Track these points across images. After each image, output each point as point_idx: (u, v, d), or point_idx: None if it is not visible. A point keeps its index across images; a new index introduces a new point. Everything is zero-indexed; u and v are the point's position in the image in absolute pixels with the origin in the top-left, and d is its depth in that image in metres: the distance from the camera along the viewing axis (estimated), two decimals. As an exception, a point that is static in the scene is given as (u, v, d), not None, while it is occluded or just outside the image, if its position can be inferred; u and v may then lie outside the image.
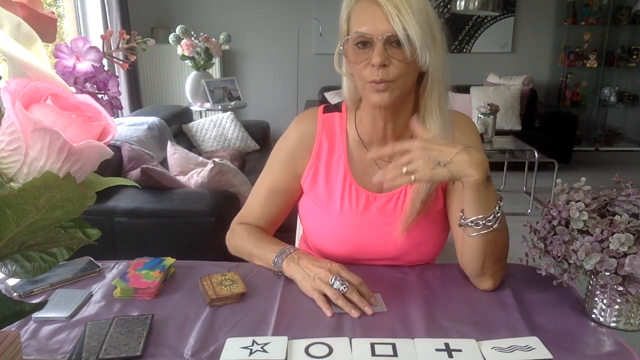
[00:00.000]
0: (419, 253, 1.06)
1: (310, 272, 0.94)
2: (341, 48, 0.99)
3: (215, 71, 4.67)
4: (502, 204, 0.91)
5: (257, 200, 1.14)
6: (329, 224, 1.07)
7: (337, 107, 1.12)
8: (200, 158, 2.83)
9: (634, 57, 5.24)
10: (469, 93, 4.77)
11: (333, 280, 0.90)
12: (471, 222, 0.91)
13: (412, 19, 0.90)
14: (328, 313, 0.88)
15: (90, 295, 0.94)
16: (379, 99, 0.96)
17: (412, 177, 0.86)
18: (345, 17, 0.97)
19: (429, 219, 1.05)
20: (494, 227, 0.90)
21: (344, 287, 0.89)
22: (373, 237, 1.05)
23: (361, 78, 0.96)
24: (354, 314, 0.87)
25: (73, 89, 0.60)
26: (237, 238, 1.12)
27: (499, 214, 0.91)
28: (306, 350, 0.77)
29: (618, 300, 0.82)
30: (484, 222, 0.90)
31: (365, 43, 0.93)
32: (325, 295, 0.90)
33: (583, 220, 0.82)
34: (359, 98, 1.07)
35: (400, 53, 0.92)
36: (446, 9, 5.07)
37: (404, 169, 0.86)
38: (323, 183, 1.08)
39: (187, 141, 3.60)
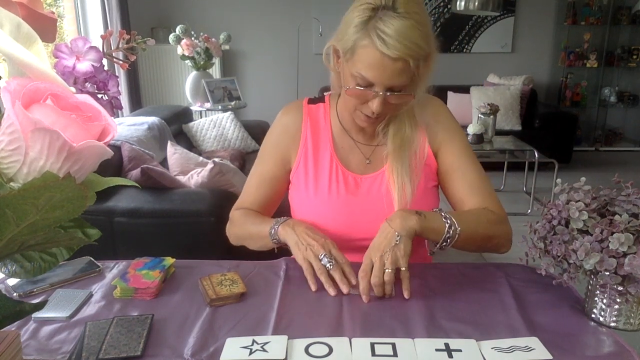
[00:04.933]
0: None
1: (304, 241, 0.99)
2: (338, 49, 1.01)
3: (215, 71, 4.67)
4: (442, 213, 0.98)
5: (250, 188, 1.19)
6: (319, 207, 1.11)
7: (320, 99, 1.19)
8: (200, 158, 2.83)
9: (634, 57, 5.23)
10: (469, 93, 4.77)
11: (322, 255, 0.96)
12: (439, 248, 0.99)
13: (422, 67, 0.95)
14: (312, 287, 0.94)
15: (90, 295, 0.94)
16: (367, 126, 1.07)
17: (402, 268, 0.92)
18: (350, 46, 0.96)
19: (417, 196, 1.08)
20: (457, 236, 0.97)
21: (330, 265, 0.95)
22: (361, 216, 1.09)
23: (353, 104, 1.03)
24: (331, 291, 0.93)
25: (73, 89, 0.60)
26: (235, 223, 1.17)
27: (451, 227, 0.96)
28: (306, 350, 0.77)
29: (618, 300, 0.83)
30: (446, 242, 0.97)
31: (366, 86, 0.97)
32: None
33: (583, 220, 0.82)
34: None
35: (399, 98, 0.99)
36: (446, 9, 5.07)
37: (388, 271, 0.91)
38: (312, 168, 1.13)
39: (187, 141, 3.60)
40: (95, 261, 1.06)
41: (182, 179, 2.39)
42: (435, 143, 1.13)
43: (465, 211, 1.07)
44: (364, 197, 1.10)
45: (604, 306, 0.84)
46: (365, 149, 1.14)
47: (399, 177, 1.07)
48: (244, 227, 1.14)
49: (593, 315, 0.86)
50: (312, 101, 1.18)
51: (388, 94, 0.96)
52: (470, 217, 1.03)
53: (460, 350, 0.77)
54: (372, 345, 0.78)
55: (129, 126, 2.88)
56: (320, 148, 1.14)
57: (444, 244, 0.98)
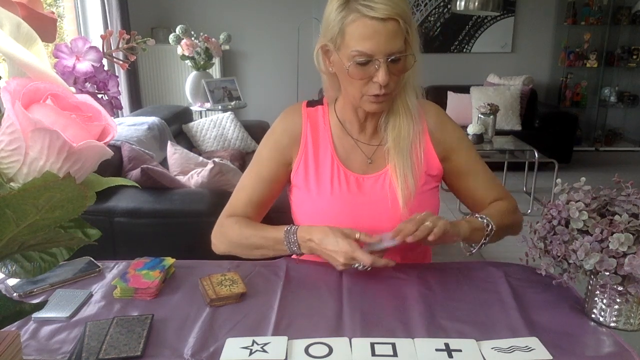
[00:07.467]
0: None
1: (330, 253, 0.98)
2: (327, 45, 1.02)
3: (215, 71, 4.67)
4: (477, 215, 1.06)
5: (244, 188, 1.17)
6: (322, 208, 1.11)
7: (319, 101, 1.19)
8: (200, 158, 2.83)
9: (634, 57, 5.23)
10: (469, 93, 4.77)
11: (355, 266, 0.97)
12: (478, 247, 1.07)
13: (411, 32, 0.97)
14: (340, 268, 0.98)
15: (90, 295, 0.94)
16: (377, 107, 1.05)
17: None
18: (338, 30, 0.98)
19: (420, 195, 1.10)
20: (492, 232, 1.05)
21: (367, 268, 0.98)
22: (365, 215, 1.10)
23: (358, 89, 1.02)
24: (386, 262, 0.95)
25: (73, 89, 0.60)
26: (229, 230, 1.13)
27: (488, 225, 1.04)
28: (306, 350, 0.77)
29: (618, 300, 0.82)
30: (485, 241, 1.06)
31: (367, 61, 0.97)
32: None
33: (583, 220, 0.82)
34: (338, 93, 1.13)
35: (399, 67, 0.99)
36: (446, 9, 5.07)
37: (429, 223, 0.95)
38: (313, 169, 1.13)
39: (187, 141, 3.60)
40: (95, 261, 1.06)
41: (182, 179, 2.39)
42: (442, 150, 1.14)
43: (491, 208, 1.13)
44: (367, 196, 1.11)
45: (604, 306, 0.84)
46: (367, 149, 1.14)
47: (401, 169, 1.07)
48: (243, 234, 1.10)
49: (593, 315, 0.86)
50: (310, 104, 1.18)
51: (390, 60, 0.96)
52: (495, 212, 1.09)
53: (460, 350, 0.77)
54: (372, 345, 0.78)
55: (129, 126, 2.88)
56: (321, 149, 1.14)
57: (484, 240, 1.04)
